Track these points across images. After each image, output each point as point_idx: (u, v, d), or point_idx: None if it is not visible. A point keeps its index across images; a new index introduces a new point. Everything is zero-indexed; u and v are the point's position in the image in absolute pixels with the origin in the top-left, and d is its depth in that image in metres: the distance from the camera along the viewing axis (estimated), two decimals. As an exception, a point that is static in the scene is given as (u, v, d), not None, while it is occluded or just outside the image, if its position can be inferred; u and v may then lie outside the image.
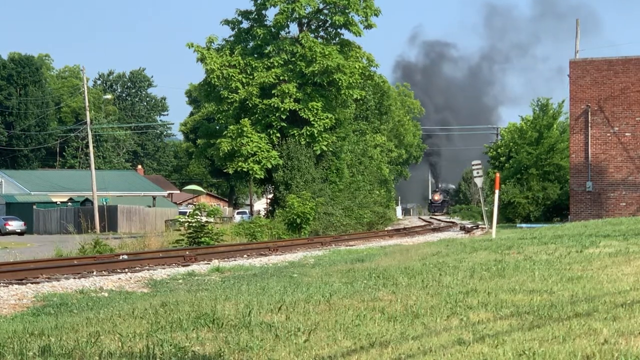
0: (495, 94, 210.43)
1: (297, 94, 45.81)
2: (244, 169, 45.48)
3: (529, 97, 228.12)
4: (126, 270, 20.41)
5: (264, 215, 50.42)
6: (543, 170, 50.12)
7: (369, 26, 47.45)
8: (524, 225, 42.00)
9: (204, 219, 33.19)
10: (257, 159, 45.24)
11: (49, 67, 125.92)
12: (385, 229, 52.33)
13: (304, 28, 47.92)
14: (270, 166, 45.71)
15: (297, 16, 46.70)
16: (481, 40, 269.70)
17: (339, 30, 48.07)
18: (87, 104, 68.01)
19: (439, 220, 78.67)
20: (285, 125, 46.40)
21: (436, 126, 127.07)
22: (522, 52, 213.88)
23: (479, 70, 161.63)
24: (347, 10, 46.57)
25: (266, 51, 46.48)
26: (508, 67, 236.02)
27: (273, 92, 45.82)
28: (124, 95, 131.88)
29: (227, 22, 48.30)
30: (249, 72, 46.25)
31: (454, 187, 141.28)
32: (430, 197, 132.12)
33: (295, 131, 46.30)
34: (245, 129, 44.92)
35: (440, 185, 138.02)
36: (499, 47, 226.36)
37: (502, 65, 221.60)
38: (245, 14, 48.03)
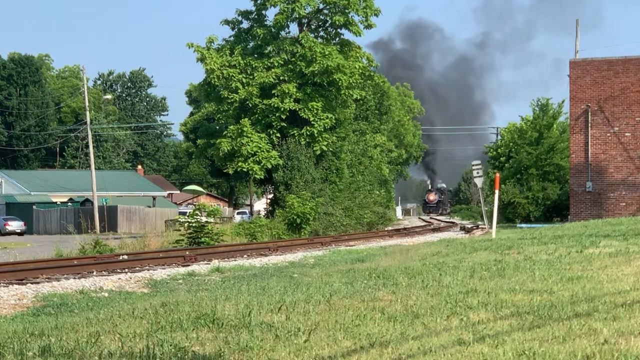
0: (488, 88, 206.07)
1: (297, 94, 45.81)
2: (244, 169, 45.48)
3: (524, 92, 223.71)
4: (126, 270, 20.41)
5: (264, 216, 50.41)
6: (543, 170, 50.10)
7: (369, 26, 47.47)
8: (524, 225, 41.99)
9: (204, 219, 33.18)
10: (257, 159, 45.24)
11: (49, 67, 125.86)
12: (385, 229, 52.31)
13: (304, 28, 47.93)
14: (270, 166, 45.71)
15: (297, 16, 46.71)
16: (473, 29, 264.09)
17: (339, 30, 48.10)
18: (87, 104, 67.99)
19: (438, 220, 78.63)
20: (285, 125, 46.39)
21: (427, 118, 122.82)
22: (518, 43, 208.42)
23: (470, 61, 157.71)
24: (347, 10, 46.58)
25: (266, 51, 46.48)
26: (503, 60, 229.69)
27: (273, 92, 45.83)
28: (124, 95, 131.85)
29: (227, 22, 48.31)
30: (249, 72, 46.25)
31: (444, 185, 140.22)
32: (424, 197, 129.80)
33: (295, 131, 46.30)
34: (245, 129, 44.93)
35: (434, 185, 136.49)
36: (494, 36, 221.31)
37: (493, 59, 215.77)
38: (245, 14, 48.03)
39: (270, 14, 54.03)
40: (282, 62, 46.23)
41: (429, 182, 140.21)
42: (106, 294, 14.92)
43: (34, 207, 70.71)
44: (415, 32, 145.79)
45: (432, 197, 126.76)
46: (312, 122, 45.92)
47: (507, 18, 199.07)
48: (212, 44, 47.77)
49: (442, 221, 73.29)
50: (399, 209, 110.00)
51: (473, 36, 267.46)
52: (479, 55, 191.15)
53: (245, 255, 25.93)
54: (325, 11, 47.79)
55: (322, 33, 48.71)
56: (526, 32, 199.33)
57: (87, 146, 79.34)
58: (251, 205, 74.56)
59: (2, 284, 16.58)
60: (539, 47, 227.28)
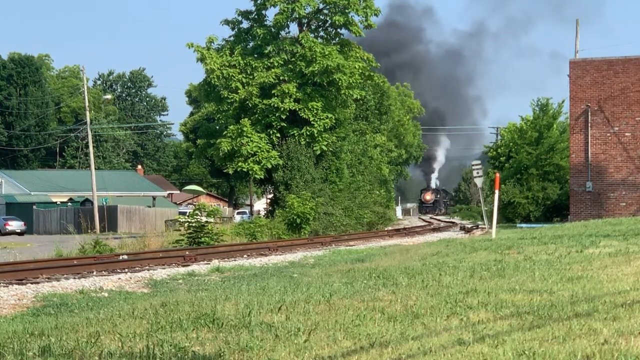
0: (480, 82, 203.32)
1: (297, 94, 45.80)
2: (244, 169, 45.47)
3: (519, 88, 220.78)
4: (126, 270, 20.42)
5: (264, 215, 50.40)
6: (543, 170, 50.14)
7: (369, 26, 47.50)
8: (524, 225, 41.99)
9: (203, 219, 33.17)
10: (257, 159, 45.23)
11: (49, 67, 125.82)
12: (385, 229, 52.32)
13: (304, 28, 47.93)
14: (270, 166, 45.70)
15: (297, 16, 46.70)
16: (466, 21, 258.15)
17: (338, 30, 48.10)
18: (87, 104, 67.94)
19: (438, 220, 78.60)
20: (285, 125, 46.39)
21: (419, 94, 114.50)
22: (513, 36, 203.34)
23: (462, 54, 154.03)
24: (347, 10, 46.59)
25: (266, 51, 46.47)
26: (497, 54, 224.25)
27: (273, 92, 45.81)
28: (124, 95, 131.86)
29: (227, 22, 48.31)
30: (249, 72, 46.24)
31: (438, 183, 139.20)
32: (420, 197, 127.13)
33: (295, 131, 46.29)
34: (245, 129, 44.92)
35: (431, 184, 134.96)
36: (489, 28, 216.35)
37: (487, 51, 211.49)
38: (245, 14, 48.02)
39: (270, 14, 54.07)
40: (282, 62, 46.21)
41: (422, 174, 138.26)
42: (106, 294, 14.93)
43: (34, 207, 70.69)
44: (407, 11, 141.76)
45: (429, 196, 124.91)
46: (312, 122, 45.91)
47: (503, 9, 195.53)
48: (212, 44, 47.77)
49: (442, 221, 73.28)
50: (399, 209, 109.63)
51: (466, 28, 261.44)
52: (472, 47, 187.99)
53: (245, 255, 25.93)
54: (325, 11, 47.80)
55: (322, 33, 48.71)
56: (523, 24, 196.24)
57: (87, 146, 79.31)
58: (251, 205, 74.51)
59: (2, 284, 16.58)
60: (536, 41, 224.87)
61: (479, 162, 41.77)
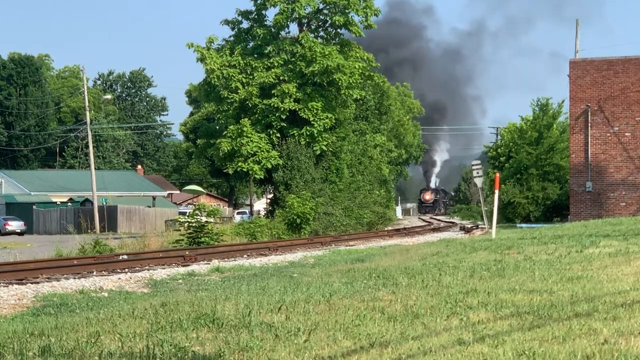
0: (479, 82, 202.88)
1: (297, 94, 45.80)
2: (243, 169, 45.47)
3: (518, 88, 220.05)
4: (126, 270, 20.43)
5: (264, 215, 50.40)
6: (543, 170, 50.12)
7: (368, 26, 47.51)
8: (523, 225, 41.98)
9: (203, 219, 33.18)
10: (257, 159, 45.23)
11: (49, 67, 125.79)
12: (385, 229, 52.32)
13: (304, 28, 47.93)
14: (270, 166, 45.70)
15: (297, 16, 46.70)
16: (465, 19, 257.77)
17: (338, 30, 48.10)
18: (87, 104, 67.91)
19: (438, 220, 78.56)
20: (285, 125, 46.39)
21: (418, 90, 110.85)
22: (513, 35, 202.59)
23: (460, 53, 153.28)
24: (347, 10, 46.59)
25: (266, 51, 46.48)
26: (496, 53, 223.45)
27: (273, 92, 45.81)
28: (124, 95, 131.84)
29: (227, 22, 48.31)
30: (249, 72, 46.24)
31: (438, 183, 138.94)
32: (420, 197, 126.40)
33: (295, 131, 46.29)
34: (245, 129, 44.92)
35: (430, 184, 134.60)
36: (488, 27, 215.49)
37: (486, 51, 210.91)
38: (245, 14, 48.03)
39: (270, 14, 54.08)
40: (282, 62, 46.21)
41: (422, 174, 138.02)
42: (106, 294, 14.93)
43: (34, 207, 70.67)
44: (406, 9, 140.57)
45: (428, 196, 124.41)
46: (312, 122, 45.91)
47: (503, 8, 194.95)
48: (212, 44, 47.76)
49: (441, 221, 73.25)
50: (398, 209, 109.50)
51: (466, 27, 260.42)
52: (472, 46, 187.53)
53: (245, 255, 25.94)
54: (325, 11, 47.80)
55: (322, 33, 48.71)
56: (523, 24, 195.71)
57: (87, 146, 79.27)
58: (251, 205, 74.50)
59: (2, 284, 16.58)
60: (536, 41, 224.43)
61: (479, 162, 41.78)
